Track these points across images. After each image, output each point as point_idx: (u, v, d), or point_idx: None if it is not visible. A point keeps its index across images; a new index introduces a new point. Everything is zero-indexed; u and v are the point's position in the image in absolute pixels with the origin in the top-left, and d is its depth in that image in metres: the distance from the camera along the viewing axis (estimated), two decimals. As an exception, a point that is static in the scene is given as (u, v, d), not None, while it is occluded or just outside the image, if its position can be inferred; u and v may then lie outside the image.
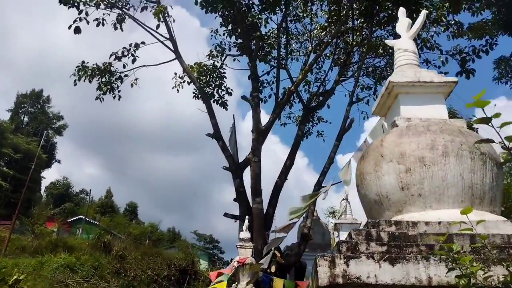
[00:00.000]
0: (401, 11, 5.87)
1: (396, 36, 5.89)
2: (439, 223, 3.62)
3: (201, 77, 18.84)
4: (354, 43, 17.94)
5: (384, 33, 18.52)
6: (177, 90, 19.75)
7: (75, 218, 31.96)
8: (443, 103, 4.94)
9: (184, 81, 20.00)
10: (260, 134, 14.95)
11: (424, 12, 5.61)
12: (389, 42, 6.01)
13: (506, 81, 18.33)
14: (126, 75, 18.33)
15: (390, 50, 18.67)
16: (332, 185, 6.06)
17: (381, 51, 18.27)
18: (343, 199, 11.24)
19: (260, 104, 17.54)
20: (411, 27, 5.60)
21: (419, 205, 4.09)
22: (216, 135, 16.19)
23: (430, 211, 4.02)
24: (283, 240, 6.24)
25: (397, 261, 3.00)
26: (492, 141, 1.96)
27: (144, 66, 18.90)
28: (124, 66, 17.93)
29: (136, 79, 18.63)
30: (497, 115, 1.85)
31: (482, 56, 16.26)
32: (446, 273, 2.71)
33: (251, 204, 14.20)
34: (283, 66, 18.33)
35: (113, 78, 18.11)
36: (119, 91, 18.36)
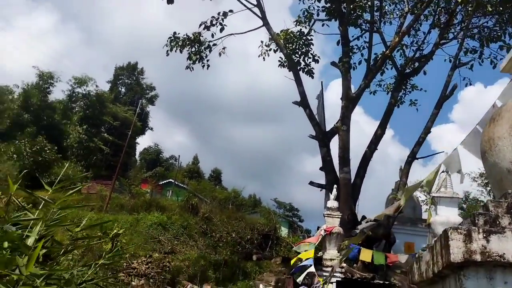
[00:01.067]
0: None
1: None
2: None
3: (287, 44, 18.38)
4: (459, 0, 16.05)
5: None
6: (263, 58, 19.55)
7: (165, 181, 34.10)
8: None
9: (270, 49, 19.71)
10: (350, 101, 14.24)
11: None
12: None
13: None
14: (214, 44, 18.56)
15: (501, 8, 16.43)
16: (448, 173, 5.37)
17: (490, 9, 16.17)
18: (443, 171, 10.26)
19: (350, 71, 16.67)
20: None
21: None
22: (303, 103, 15.79)
23: None
24: (383, 216, 5.79)
25: (556, 240, 2.45)
26: None
27: (232, 34, 18.94)
28: (212, 36, 18.14)
29: (224, 48, 18.77)
30: None
31: None
32: None
33: (337, 174, 13.77)
34: (375, 29, 17.12)
35: (202, 48, 18.44)
36: (207, 60, 18.68)
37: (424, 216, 17.61)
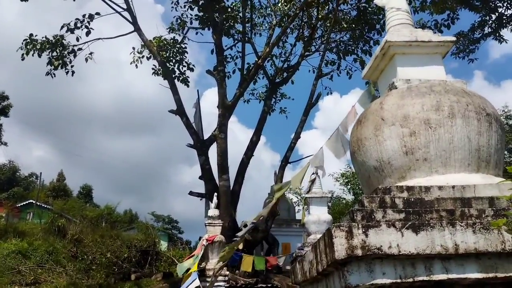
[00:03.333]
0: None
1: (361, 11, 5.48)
2: (453, 187, 3.34)
3: (161, 52, 17.88)
4: (319, 17, 17.62)
5: (348, 8, 18.35)
6: (136, 65, 18.69)
7: (25, 203, 30.08)
8: (441, 64, 4.66)
9: (143, 56, 18.92)
10: (226, 109, 14.41)
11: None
12: (379, 1, 5.61)
13: (463, 56, 18.75)
14: (80, 49, 17.06)
15: (354, 25, 18.55)
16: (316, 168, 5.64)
17: (345, 26, 18.11)
18: (313, 173, 11.06)
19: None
20: (402, -15, 5.23)
21: (424, 170, 3.79)
22: (180, 111, 15.46)
23: (436, 175, 3.74)
24: (261, 217, 5.81)
25: (421, 229, 2.66)
26: None
27: (99, 39, 17.66)
28: (77, 39, 16.65)
29: (91, 53, 17.39)
30: None
31: (443, 31, 16.54)
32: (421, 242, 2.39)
33: (217, 182, 13.76)
34: (247, 40, 17.73)
35: (66, 52, 16.78)
36: (72, 66, 17.07)
37: (298, 216, 18.75)
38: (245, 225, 7.12)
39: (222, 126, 14.10)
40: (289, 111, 20.79)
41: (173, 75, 17.93)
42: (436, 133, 3.79)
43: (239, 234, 7.09)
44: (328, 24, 17.88)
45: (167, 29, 18.14)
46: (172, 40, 18.62)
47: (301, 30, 19.04)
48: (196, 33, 18.15)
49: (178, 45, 18.60)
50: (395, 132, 3.94)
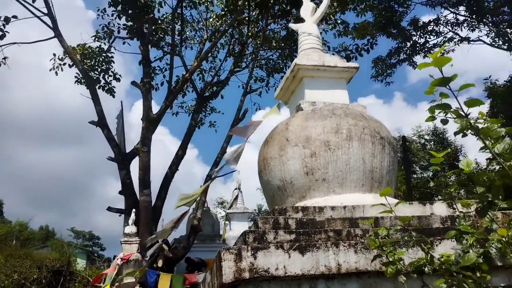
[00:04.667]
0: (305, -5, 5.72)
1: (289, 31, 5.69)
2: (344, 207, 3.48)
3: (85, 60, 17.03)
4: (250, 34, 17.93)
5: (278, 27, 18.92)
6: (56, 72, 17.60)
7: None
8: (345, 88, 4.92)
9: (64, 63, 17.87)
10: (150, 122, 14.00)
11: (327, -2, 5.51)
12: (293, 26, 5.85)
13: (381, 79, 20.16)
14: (-8, 53, 15.72)
15: (283, 44, 19.20)
16: (222, 166, 5.57)
17: (274, 44, 18.63)
18: (236, 188, 11.08)
19: (152, 91, 16.51)
20: (315, 11, 5.49)
21: (322, 190, 3.93)
22: (101, 123, 14.75)
23: (333, 195, 3.89)
24: (171, 233, 5.61)
25: (307, 250, 2.72)
26: (449, 107, 1.73)
27: (15, 43, 16.42)
28: (-9, 43, 15.35)
29: (5, 58, 16.11)
30: (454, 76, 1.62)
31: (363, 55, 17.65)
32: (372, 261, 2.50)
33: (138, 197, 13.26)
34: (177, 53, 17.51)
35: (-24, 54, 15.40)
36: (-18, 69, 15.68)
37: (222, 232, 18.64)
38: (152, 241, 6.84)
39: (146, 139, 13.65)
40: (218, 125, 20.78)
41: (98, 85, 17.15)
42: (335, 155, 3.96)
43: (148, 252, 6.81)
44: (258, 42, 18.27)
45: (92, 36, 17.29)
46: (97, 49, 17.85)
47: (231, 46, 19.25)
48: (123, 43, 17.54)
49: (104, 54, 17.85)
50: (297, 152, 4.05)
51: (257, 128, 5.28)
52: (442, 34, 19.23)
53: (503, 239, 1.85)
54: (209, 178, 14.88)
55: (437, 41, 19.66)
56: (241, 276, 2.60)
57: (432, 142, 27.94)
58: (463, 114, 1.72)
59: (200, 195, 5.23)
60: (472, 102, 1.67)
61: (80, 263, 22.59)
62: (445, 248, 2.67)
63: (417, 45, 19.62)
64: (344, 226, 3.19)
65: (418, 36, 19.46)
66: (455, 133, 1.81)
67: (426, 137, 28.25)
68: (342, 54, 18.49)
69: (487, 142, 2.15)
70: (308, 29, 5.37)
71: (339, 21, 17.40)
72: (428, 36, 19.37)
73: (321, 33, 19.13)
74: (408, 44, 19.72)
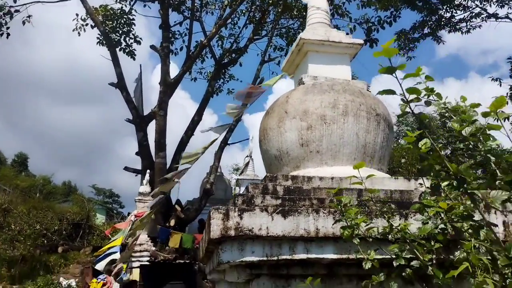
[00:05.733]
0: (317, -32, 5.73)
1: None
2: (332, 178, 3.71)
3: (107, 21, 17.26)
4: (271, 1, 17.74)
5: (300, -4, 18.59)
6: (78, 33, 17.94)
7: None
8: (348, 64, 5.03)
9: (87, 24, 18.16)
10: (168, 87, 14.30)
11: (338, -28, 5.52)
12: (303, -1, 5.88)
13: (403, 53, 19.74)
14: (17, 11, 16.13)
15: (304, 13, 18.95)
16: (223, 126, 5.74)
17: (295, 13, 18.39)
18: (247, 156, 11.39)
19: (171, 56, 16.74)
20: (325, -15, 5.52)
21: (316, 162, 4.16)
22: (121, 85, 15.13)
23: (325, 167, 4.12)
24: (172, 186, 5.92)
25: (289, 214, 2.99)
26: (394, 93, 1.92)
27: (38, 1, 16.77)
28: (14, 1, 15.72)
29: (29, 16, 16.50)
30: (402, 66, 1.80)
31: (386, 27, 17.31)
32: (332, 225, 2.77)
33: (154, 159, 13.75)
34: (197, 18, 17.55)
35: (1, 13, 15.82)
36: (7, 28, 16.14)
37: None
38: (154, 195, 7.12)
39: (163, 103, 14.02)
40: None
41: (119, 47, 17.46)
42: (330, 129, 4.16)
43: (147, 204, 7.20)
44: (279, 10, 18.06)
45: (113, -3, 17.44)
46: (119, 10, 18.01)
47: (252, 13, 19.10)
48: (144, 5, 17.64)
49: (125, 16, 18.02)
50: (295, 125, 4.27)
51: (260, 95, 5.43)
52: (470, 9, 18.55)
53: (444, 213, 2.06)
54: (223, 144, 15.26)
55: (464, 15, 19.02)
56: (227, 233, 2.90)
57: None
58: (405, 99, 1.90)
59: (202, 153, 5.40)
60: (412, 90, 1.87)
61: (100, 218, 23.74)
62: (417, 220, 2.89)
63: (443, 19, 19.02)
64: (329, 195, 3.43)
65: (444, 10, 18.83)
66: (398, 116, 2.00)
67: (447, 114, 27.76)
68: (364, 26, 18.20)
69: (456, 125, 2.34)
70: (317, 3, 5.44)
71: (362, -10, 17.03)
72: (454, 10, 18.72)
73: (343, 3, 18.75)
74: (433, 18, 19.13)
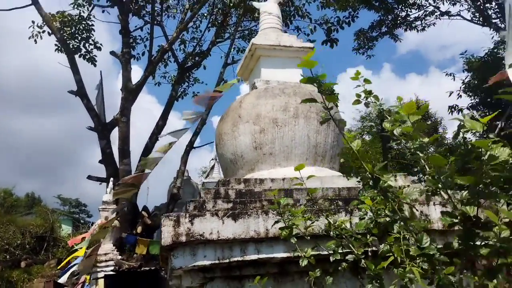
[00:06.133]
0: (268, -26, 5.87)
1: None
2: (283, 179, 3.83)
3: (65, 28, 16.84)
4: (231, 4, 17.81)
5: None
6: (35, 40, 17.43)
7: None
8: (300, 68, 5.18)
9: (44, 31, 17.66)
10: (130, 93, 14.14)
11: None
12: (256, 4, 6.01)
13: (363, 52, 20.35)
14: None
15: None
16: (180, 130, 5.76)
17: (257, 15, 18.53)
18: (212, 159, 11.42)
19: (134, 61, 16.52)
20: (277, -10, 5.66)
21: (269, 163, 4.28)
22: (81, 92, 14.82)
23: (278, 168, 4.24)
24: (133, 191, 5.88)
25: (240, 217, 3.08)
26: (315, 101, 2.04)
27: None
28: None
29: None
30: (323, 76, 1.92)
31: (345, 27, 17.76)
32: (272, 225, 2.87)
33: (118, 166, 13.56)
34: (157, 22, 17.40)
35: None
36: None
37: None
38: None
39: (125, 109, 13.85)
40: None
41: (79, 53, 17.09)
42: (281, 131, 4.29)
43: (112, 211, 7.12)
44: (240, 12, 18.18)
45: (70, 4, 17.03)
46: (77, 16, 17.62)
47: (214, 16, 19.12)
48: (103, 11, 17.34)
49: (84, 22, 17.64)
50: (248, 129, 4.37)
51: (218, 99, 5.50)
52: (423, 8, 19.34)
53: (370, 209, 2.21)
54: (189, 148, 15.22)
55: (419, 14, 19.81)
56: (178, 239, 2.96)
57: (414, 115, 28.55)
58: (326, 107, 2.04)
59: (160, 158, 5.37)
60: (331, 98, 2.02)
61: (65, 230, 23.10)
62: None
63: (399, 18, 19.73)
64: (280, 196, 3.55)
65: (399, 9, 19.55)
66: (321, 123, 2.13)
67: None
68: (324, 26, 18.59)
69: (387, 125, 2.49)
70: (269, 8, 5.57)
71: (320, -7, 17.39)
72: (409, 10, 19.47)
73: (304, 4, 19.01)
74: (390, 17, 19.82)
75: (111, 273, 8.65)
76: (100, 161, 14.18)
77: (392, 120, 2.53)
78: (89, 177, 14.27)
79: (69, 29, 17.16)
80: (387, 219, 2.01)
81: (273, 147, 4.26)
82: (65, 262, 8.83)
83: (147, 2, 17.53)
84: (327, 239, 2.57)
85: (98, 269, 9.23)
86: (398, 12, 19.81)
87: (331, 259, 2.28)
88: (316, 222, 2.74)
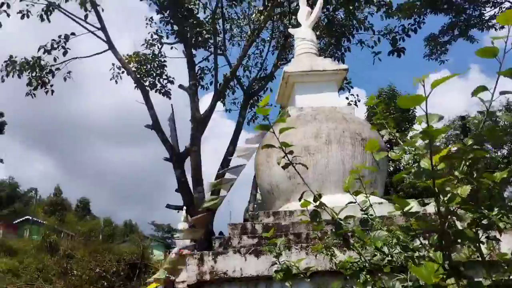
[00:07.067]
0: (302, -1, 5.92)
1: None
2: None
3: (141, 66, 18.39)
4: (291, 26, 18.00)
5: (321, 15, 18.72)
6: (116, 81, 19.25)
7: (21, 219, 30.67)
8: (335, 90, 5.10)
9: (123, 72, 19.46)
10: (198, 123, 14.87)
11: (320, 0, 5.67)
12: (291, 30, 6.08)
13: (436, 58, 19.14)
14: (58, 69, 17.61)
15: (324, 33, 19.03)
16: (234, 167, 5.99)
17: (318, 32, 18.48)
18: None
19: (202, 91, 17.38)
20: (310, 15, 5.68)
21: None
22: (156, 126, 15.94)
23: (311, 198, 4.17)
24: (200, 234, 6.21)
25: (262, 253, 3.10)
26: (273, 146, 2.04)
27: (76, 58, 18.19)
28: (55, 59, 17.20)
29: (69, 72, 17.94)
30: (282, 120, 1.92)
31: (411, 35, 16.91)
32: (268, 268, 2.84)
33: (193, 193, 14.23)
34: (221, 52, 18.18)
35: (44, 72, 17.37)
36: (51, 86, 17.65)
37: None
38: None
39: (195, 139, 14.54)
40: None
41: (155, 89, 18.49)
42: (314, 158, 4.24)
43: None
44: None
45: (142, 45, 18.57)
46: (151, 54, 19.15)
47: (276, 40, 19.49)
48: (171, 48, 18.61)
49: (157, 59, 19.11)
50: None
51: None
52: (498, 4, 17.73)
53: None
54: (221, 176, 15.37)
55: (494, 11, 18.17)
56: (202, 278, 3.07)
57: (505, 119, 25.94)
58: (284, 151, 2.00)
59: (224, 196, 5.69)
60: (286, 144, 1.99)
61: (157, 255, 24.59)
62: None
63: (472, 18, 18.30)
64: (308, 229, 3.50)
65: (472, 9, 18.13)
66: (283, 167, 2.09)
67: (499, 113, 26.18)
68: (388, 37, 17.90)
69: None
70: (302, 34, 5.59)
71: (383, 2, 16.85)
72: (483, 8, 17.97)
73: (366, 16, 18.57)
74: (462, 18, 18.47)
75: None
76: (176, 190, 14.96)
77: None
78: (168, 206, 15.11)
79: (144, 67, 18.72)
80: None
81: (306, 176, 4.22)
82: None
83: (210, 33, 18.44)
84: (329, 276, 2.49)
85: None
86: (471, 12, 18.37)
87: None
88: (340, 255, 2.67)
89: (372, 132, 4.54)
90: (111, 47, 17.17)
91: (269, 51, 19.33)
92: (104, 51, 17.66)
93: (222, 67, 18.08)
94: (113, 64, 19.43)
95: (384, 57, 18.86)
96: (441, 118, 1.51)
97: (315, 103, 4.86)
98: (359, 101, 17.38)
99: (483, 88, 1.63)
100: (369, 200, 2.69)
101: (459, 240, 1.64)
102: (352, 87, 17.94)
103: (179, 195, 15.19)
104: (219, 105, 18.80)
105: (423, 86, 1.42)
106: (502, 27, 18.23)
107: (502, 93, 1.68)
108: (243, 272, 3.07)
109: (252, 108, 19.47)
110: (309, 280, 2.46)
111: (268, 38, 19.54)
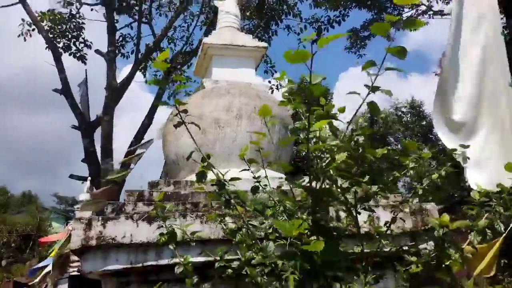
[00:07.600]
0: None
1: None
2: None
3: (55, 26, 16.83)
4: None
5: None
6: (24, 38, 17.40)
7: None
8: (253, 67, 5.09)
9: (34, 29, 17.65)
10: (113, 91, 14.09)
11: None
12: (216, 3, 5.92)
13: (355, 51, 20.19)
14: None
15: (254, 14, 19.05)
16: (146, 143, 5.82)
17: (248, 14, 18.46)
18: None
19: (123, 60, 16.46)
20: (236, -11, 5.57)
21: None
22: (65, 91, 14.78)
23: (219, 170, 4.13)
24: (102, 205, 5.91)
25: (155, 220, 2.99)
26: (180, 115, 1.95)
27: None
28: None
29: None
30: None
31: (335, 26, 17.69)
32: (153, 231, 2.79)
33: (101, 165, 13.52)
34: (146, 21, 17.34)
35: None
36: None
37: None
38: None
39: (108, 108, 13.78)
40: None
41: (69, 51, 17.09)
42: (223, 132, 4.19)
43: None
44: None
45: (58, 2, 16.99)
46: (68, 14, 17.59)
47: (206, 15, 19.05)
48: (91, 9, 17.29)
49: (74, 20, 17.63)
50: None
51: None
52: (417, 6, 19.17)
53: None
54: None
55: (411, 13, 19.63)
56: (88, 243, 2.88)
57: (409, 115, 28.44)
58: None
59: (131, 169, 5.48)
60: None
61: (56, 228, 23.06)
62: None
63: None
64: (207, 200, 3.45)
65: (392, 8, 19.39)
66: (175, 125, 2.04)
67: (403, 109, 28.66)
68: (314, 25, 18.49)
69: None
70: (226, 7, 5.48)
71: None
72: (401, 9, 19.31)
73: (296, 3, 18.90)
74: (382, 16, 19.66)
75: (76, 273, 8.60)
76: (82, 160, 14.11)
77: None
78: (71, 176, 14.22)
79: (59, 27, 17.15)
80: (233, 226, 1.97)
81: (213, 148, 4.17)
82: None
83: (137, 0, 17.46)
84: (221, 244, 2.49)
85: (71, 270, 9.17)
86: (391, 11, 19.63)
87: (216, 265, 2.20)
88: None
89: (283, 110, 4.62)
90: (22, 0, 15.52)
91: (197, 26, 18.89)
92: (13, 4, 15.90)
93: (146, 37, 17.22)
94: (23, 20, 17.55)
95: (308, 45, 19.50)
96: (323, 78, 1.54)
97: (231, 78, 4.80)
98: (280, 85, 17.77)
99: (371, 63, 1.72)
100: (265, 171, 2.73)
101: (324, 199, 1.70)
102: (276, 71, 18.29)
103: (86, 166, 14.33)
104: (139, 76, 18.03)
105: (311, 45, 1.47)
106: (415, 29, 19.75)
107: (387, 69, 1.79)
108: (133, 239, 2.94)
109: (175, 83, 18.96)
110: (194, 244, 2.42)
111: (197, 12, 19.07)
